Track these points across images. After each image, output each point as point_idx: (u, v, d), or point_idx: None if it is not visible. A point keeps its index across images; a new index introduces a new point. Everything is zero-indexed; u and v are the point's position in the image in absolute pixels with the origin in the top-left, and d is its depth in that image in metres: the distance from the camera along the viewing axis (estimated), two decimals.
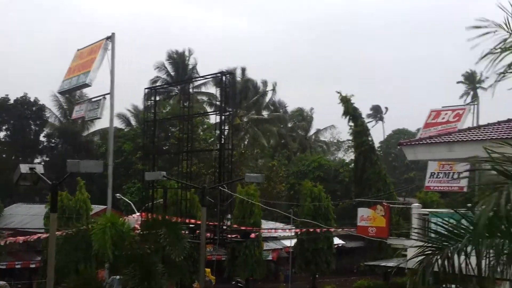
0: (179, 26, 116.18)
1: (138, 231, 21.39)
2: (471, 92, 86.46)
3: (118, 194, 40.49)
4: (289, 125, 68.55)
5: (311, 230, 35.18)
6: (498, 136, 16.37)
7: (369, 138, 43.49)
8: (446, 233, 9.33)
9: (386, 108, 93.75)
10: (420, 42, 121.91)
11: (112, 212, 24.22)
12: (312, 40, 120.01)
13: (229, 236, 27.83)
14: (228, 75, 27.66)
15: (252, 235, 32.80)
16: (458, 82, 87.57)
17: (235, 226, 31.94)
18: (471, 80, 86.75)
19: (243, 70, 61.93)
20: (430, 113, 34.41)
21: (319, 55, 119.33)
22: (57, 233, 19.80)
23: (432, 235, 9.94)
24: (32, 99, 55.89)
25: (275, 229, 40.70)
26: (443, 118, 32.75)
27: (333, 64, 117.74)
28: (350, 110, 42.57)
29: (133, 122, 57.52)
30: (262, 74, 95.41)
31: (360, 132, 42.80)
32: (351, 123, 43.08)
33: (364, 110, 45.91)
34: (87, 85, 25.25)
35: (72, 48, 28.28)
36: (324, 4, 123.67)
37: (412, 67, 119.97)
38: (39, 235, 31.89)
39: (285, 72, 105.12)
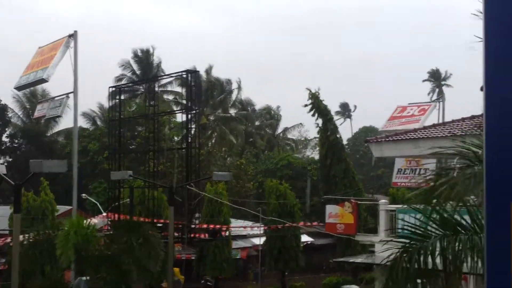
0: (143, 24, 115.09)
1: (106, 232, 21.18)
2: (437, 90, 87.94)
3: (84, 194, 39.92)
4: (257, 123, 68.54)
5: (279, 227, 35.21)
6: (462, 132, 16.58)
7: (338, 135, 43.67)
8: (415, 229, 9.39)
9: (355, 106, 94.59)
10: (386, 41, 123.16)
11: (78, 214, 23.88)
12: (277, 38, 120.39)
13: (198, 235, 27.67)
14: (193, 74, 27.44)
15: (222, 233, 32.72)
16: (424, 81, 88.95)
17: (204, 225, 31.78)
18: (437, 78, 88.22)
19: (209, 68, 61.69)
20: (396, 108, 34.82)
21: (285, 53, 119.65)
22: (22, 236, 19.45)
23: (399, 231, 10.04)
24: None
25: (243, 226, 40.63)
26: (408, 112, 33.17)
27: (299, 63, 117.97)
28: (320, 107, 42.62)
29: (99, 121, 56.80)
30: (228, 73, 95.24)
31: (328, 129, 42.92)
32: (320, 120, 43.17)
33: (332, 108, 46.01)
34: (44, 81, 24.86)
35: (33, 46, 27.73)
36: (290, 2, 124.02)
37: (380, 65, 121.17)
38: (3, 238, 31.22)
39: (251, 71, 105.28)
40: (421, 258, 8.87)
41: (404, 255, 9.10)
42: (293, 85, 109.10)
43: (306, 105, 42.47)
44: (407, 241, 9.30)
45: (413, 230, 9.43)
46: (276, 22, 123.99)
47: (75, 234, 18.55)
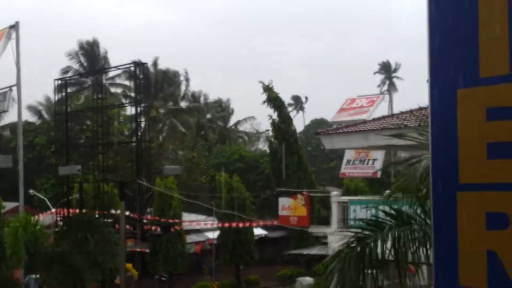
0: (90, 14, 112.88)
1: (55, 229, 20.71)
2: (387, 81, 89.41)
3: (31, 190, 38.90)
4: (208, 116, 68.15)
5: (233, 223, 35.19)
6: (411, 124, 16.84)
7: (292, 128, 43.86)
8: (366, 221, 9.49)
9: (306, 98, 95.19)
10: (338, 32, 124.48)
11: (25, 211, 23.25)
12: (227, 30, 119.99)
13: (152, 228, 27.37)
14: (141, 66, 27.07)
15: (173, 229, 32.42)
16: (375, 73, 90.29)
17: (157, 220, 31.47)
18: (387, 70, 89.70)
19: (156, 61, 60.92)
20: (346, 100, 35.25)
21: (235, 45, 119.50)
22: None
23: (352, 222, 10.13)
24: None
25: (196, 221, 40.41)
26: (357, 104, 33.63)
27: (248, 55, 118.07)
28: (273, 98, 42.74)
29: (46, 115, 55.39)
30: (176, 66, 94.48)
31: (282, 121, 43.06)
32: (274, 112, 43.25)
33: (284, 100, 46.04)
34: None
35: None
36: None
37: (331, 57, 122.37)
38: None
39: (200, 63, 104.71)
40: (372, 248, 8.96)
41: (355, 245, 9.17)
42: (244, 78, 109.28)
43: (264, 102, 42.66)
44: (359, 231, 9.38)
45: (365, 221, 9.52)
46: (225, 13, 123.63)
47: (24, 232, 18.07)
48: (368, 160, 31.48)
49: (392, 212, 9.23)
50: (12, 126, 52.13)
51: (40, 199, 39.96)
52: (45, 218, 31.15)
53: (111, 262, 21.31)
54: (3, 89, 25.31)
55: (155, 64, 60.23)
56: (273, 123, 43.37)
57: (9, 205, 33.76)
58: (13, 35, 23.71)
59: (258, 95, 43.33)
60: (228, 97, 71.33)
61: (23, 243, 17.54)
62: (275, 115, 43.22)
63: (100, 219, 22.84)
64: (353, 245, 9.11)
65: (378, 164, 30.30)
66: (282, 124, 43.01)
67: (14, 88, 24.29)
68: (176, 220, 34.35)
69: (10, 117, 51.03)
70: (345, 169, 32.94)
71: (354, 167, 32.30)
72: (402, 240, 8.76)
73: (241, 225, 35.74)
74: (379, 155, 30.74)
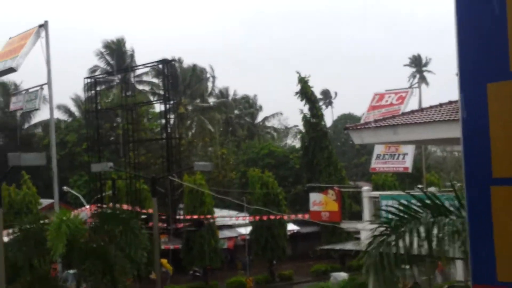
0: (113, 14, 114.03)
1: (90, 225, 21.00)
2: (418, 75, 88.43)
3: (65, 187, 39.57)
4: (236, 112, 68.28)
5: (265, 218, 35.26)
6: (440, 118, 16.66)
7: (322, 123, 43.64)
8: (399, 213, 9.36)
9: (336, 93, 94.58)
10: (367, 26, 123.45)
11: (63, 207, 23.65)
12: (250, 25, 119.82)
13: (183, 224, 27.57)
14: (169, 63, 27.23)
15: (206, 224, 32.65)
16: (405, 65, 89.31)
17: (189, 216, 31.70)
18: (417, 64, 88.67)
19: (182, 58, 61.26)
20: (374, 96, 34.87)
21: (262, 41, 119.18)
22: (10, 230, 19.25)
23: (384, 214, 10.02)
24: None
25: (229, 217, 40.56)
26: (387, 100, 33.25)
27: (278, 50, 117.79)
28: (308, 92, 42.45)
29: (77, 112, 56.20)
30: (203, 62, 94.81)
31: (314, 115, 42.83)
32: (306, 106, 42.96)
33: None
34: (13, 70, 24.35)
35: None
36: None
37: (360, 51, 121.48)
38: None
39: (227, 60, 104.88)
40: (407, 241, 8.83)
41: (388, 237, 9.05)
42: (271, 74, 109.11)
43: (297, 93, 42.42)
44: (392, 224, 9.23)
45: (397, 213, 9.36)
46: (250, 10, 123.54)
47: (67, 226, 18.35)
48: (398, 154, 31.16)
49: (428, 201, 9.04)
50: (44, 124, 53.06)
51: (74, 196, 40.59)
52: (80, 214, 31.65)
53: (145, 257, 21.57)
54: (34, 87, 25.74)
55: (180, 61, 60.61)
56: (305, 118, 43.09)
57: (44, 202, 34.48)
58: (42, 33, 24.03)
59: (285, 90, 43.31)
60: (255, 93, 71.46)
61: (65, 237, 17.81)
62: (305, 109, 42.92)
63: (131, 215, 23.08)
64: (384, 237, 9.01)
65: (409, 159, 29.99)
66: (313, 119, 42.76)
67: (45, 87, 24.68)
68: (209, 216, 34.55)
69: (40, 115, 52.10)
70: (375, 164, 32.67)
71: (384, 161, 32.02)
72: (437, 231, 8.57)
73: (274, 220, 35.76)
74: (410, 150, 30.42)
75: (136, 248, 19.02)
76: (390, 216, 9.52)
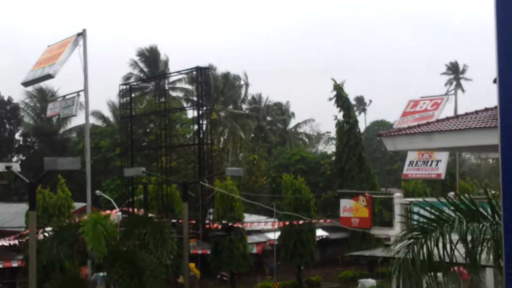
0: (147, 22, 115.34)
1: (121, 228, 21.22)
2: (454, 82, 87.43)
3: (98, 191, 40.11)
4: (268, 118, 68.45)
5: (294, 223, 35.21)
6: (476, 125, 16.44)
7: (357, 129, 43.44)
8: (431, 216, 9.21)
9: (370, 101, 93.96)
10: (402, 32, 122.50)
11: (95, 210, 23.95)
12: (281, 33, 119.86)
13: (213, 227, 27.69)
14: (203, 70, 27.40)
15: (236, 228, 32.71)
16: (442, 74, 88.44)
17: (218, 220, 31.83)
18: (455, 70, 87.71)
19: (215, 65, 61.70)
20: (408, 103, 34.54)
21: (292, 48, 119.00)
22: (43, 229, 19.57)
23: (415, 218, 9.87)
24: (5, 98, 55.03)
25: (259, 222, 40.61)
26: (421, 107, 32.90)
27: (306, 57, 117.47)
28: (343, 99, 42.33)
29: (111, 118, 57.06)
30: (236, 69, 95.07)
31: (348, 122, 42.66)
32: (341, 113, 42.81)
33: None
34: (50, 76, 24.74)
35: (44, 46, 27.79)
36: None
37: (394, 57, 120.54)
38: (18, 230, 31.54)
39: (258, 67, 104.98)
40: (438, 246, 8.67)
41: (421, 241, 8.92)
42: (304, 81, 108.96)
43: (331, 99, 42.36)
44: (423, 228, 9.07)
45: (429, 218, 9.20)
46: (281, 18, 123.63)
47: (103, 227, 18.54)
48: (432, 161, 30.82)
49: (462, 206, 8.87)
50: (79, 129, 53.99)
51: (106, 200, 41.13)
52: (113, 217, 32.03)
53: (171, 260, 21.71)
54: (70, 94, 26.20)
55: (214, 68, 61.07)
56: (338, 124, 42.96)
57: (77, 206, 35.00)
58: (80, 42, 24.46)
59: (318, 97, 43.25)
60: (287, 100, 71.48)
61: (103, 238, 17.94)
62: (339, 116, 42.75)
63: (164, 224, 23.30)
64: (414, 241, 8.88)
65: (442, 166, 29.63)
66: (347, 125, 42.61)
67: (81, 93, 25.11)
68: (239, 221, 34.65)
69: (76, 121, 53.03)
70: (408, 171, 32.36)
71: (417, 168, 31.70)
72: (471, 237, 8.39)
73: (303, 225, 35.68)
74: (443, 157, 30.07)
75: (164, 251, 19.15)
76: (421, 219, 9.38)
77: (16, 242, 31.61)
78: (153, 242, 18.97)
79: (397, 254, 9.42)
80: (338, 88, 42.39)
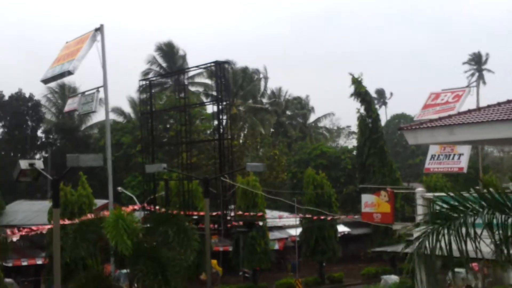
0: (163, 18, 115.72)
1: (144, 225, 21.28)
2: (477, 74, 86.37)
3: (119, 188, 40.34)
4: (288, 113, 68.28)
5: (315, 218, 35.08)
6: (499, 117, 16.17)
7: (378, 123, 43.05)
8: (454, 204, 8.97)
9: (391, 93, 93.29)
10: (422, 26, 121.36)
11: (118, 206, 24.06)
12: (301, 27, 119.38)
13: (235, 223, 27.66)
14: (222, 65, 27.32)
15: (259, 225, 32.67)
16: (464, 63, 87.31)
17: (240, 216, 31.81)
18: (477, 61, 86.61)
19: (235, 60, 61.65)
20: (429, 95, 34.17)
21: (311, 42, 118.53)
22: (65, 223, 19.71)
23: (437, 208, 9.63)
24: (27, 95, 55.59)
25: (279, 218, 40.51)
26: (442, 99, 32.52)
27: (327, 52, 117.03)
28: (362, 92, 41.97)
29: (132, 114, 57.36)
30: (254, 63, 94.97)
31: (369, 116, 42.33)
32: (361, 106, 42.47)
33: None
34: (69, 73, 24.80)
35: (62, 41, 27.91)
36: None
37: (417, 53, 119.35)
38: (39, 227, 31.87)
39: (276, 61, 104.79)
40: (460, 235, 8.45)
41: (443, 231, 8.69)
42: (322, 74, 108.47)
43: (352, 95, 42.05)
44: (446, 215, 8.83)
45: (452, 205, 8.93)
46: (299, 11, 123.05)
47: (124, 223, 18.59)
48: (454, 155, 30.46)
49: (488, 196, 8.63)
50: (100, 126, 54.35)
51: (128, 196, 41.35)
52: (135, 214, 32.19)
53: (196, 258, 21.71)
54: (90, 90, 26.31)
55: (233, 62, 61.04)
56: (360, 117, 42.61)
57: (99, 202, 35.20)
58: (98, 37, 24.51)
59: (338, 91, 42.96)
60: (307, 94, 71.24)
61: (125, 233, 17.97)
62: (362, 109, 42.37)
63: (182, 215, 23.31)
64: (435, 231, 8.66)
65: (465, 159, 29.25)
66: (369, 119, 42.26)
67: (100, 89, 25.19)
68: (261, 217, 34.58)
69: (97, 117, 53.41)
70: (429, 165, 32.02)
71: (439, 162, 31.34)
72: (496, 228, 8.16)
73: (325, 221, 35.52)
74: (465, 150, 29.68)
75: (187, 249, 19.17)
76: (444, 206, 9.08)
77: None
78: (177, 240, 19.00)
79: (416, 241, 9.20)
80: (357, 82, 42.05)
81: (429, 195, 22.50)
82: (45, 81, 27.74)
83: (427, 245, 8.81)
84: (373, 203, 25.20)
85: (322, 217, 34.92)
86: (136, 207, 33.12)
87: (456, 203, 8.91)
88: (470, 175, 35.31)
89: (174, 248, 19.25)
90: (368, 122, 42.10)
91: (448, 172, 32.87)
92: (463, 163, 29.40)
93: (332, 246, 36.61)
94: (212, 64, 28.40)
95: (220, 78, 27.51)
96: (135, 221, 19.16)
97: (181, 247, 19.22)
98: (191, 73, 53.67)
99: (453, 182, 38.99)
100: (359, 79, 42.06)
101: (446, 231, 8.70)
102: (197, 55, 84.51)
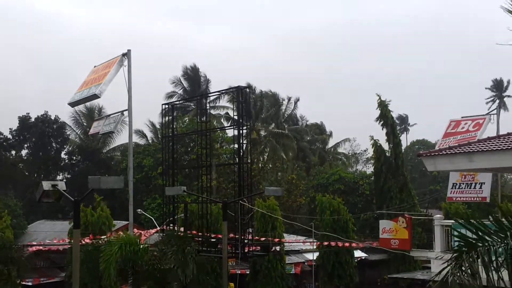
0: (185, 42, 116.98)
1: (159, 247, 21.55)
2: (497, 100, 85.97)
3: (139, 210, 40.70)
4: (308, 138, 68.50)
5: (333, 243, 35.01)
6: None
7: (399, 149, 43.00)
8: (473, 235, 9.05)
9: (415, 123, 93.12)
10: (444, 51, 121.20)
11: (134, 228, 24.40)
12: (314, 52, 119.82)
13: (252, 248, 27.76)
14: (243, 90, 27.67)
15: (276, 249, 32.69)
16: (486, 88, 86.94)
17: (258, 240, 31.90)
18: (499, 88, 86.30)
19: (255, 85, 62.29)
20: (449, 123, 34.14)
21: (325, 68, 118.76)
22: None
23: (456, 244, 9.75)
24: (52, 117, 56.59)
25: (298, 242, 40.45)
26: (463, 127, 32.47)
27: (339, 77, 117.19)
28: (388, 116, 41.99)
29: (153, 137, 58.03)
30: (275, 88, 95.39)
31: (390, 141, 42.30)
32: (382, 129, 42.45)
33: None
34: (96, 96, 25.35)
35: (89, 64, 28.64)
36: (323, 16, 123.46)
37: (438, 78, 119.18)
38: (58, 246, 32.28)
39: (293, 86, 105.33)
40: (484, 258, 8.50)
41: (463, 260, 8.77)
42: (343, 102, 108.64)
43: (377, 118, 42.05)
44: (466, 246, 8.91)
45: (471, 236, 9.03)
46: (310, 36, 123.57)
47: (120, 250, 19.03)
48: (475, 184, 30.33)
49: (508, 225, 8.70)
50: (122, 148, 55.04)
51: (147, 218, 41.66)
52: (152, 236, 32.51)
53: (211, 281, 21.89)
54: (115, 113, 26.84)
55: (253, 88, 61.64)
56: (375, 144, 42.64)
57: (119, 224, 35.60)
58: (125, 62, 25.08)
59: (357, 117, 43.10)
60: (325, 120, 71.64)
61: (115, 260, 18.44)
62: (381, 134, 42.36)
63: (188, 237, 23.55)
64: (456, 263, 8.77)
65: (487, 188, 29.12)
66: (390, 144, 42.23)
67: (125, 113, 25.70)
68: (277, 240, 34.63)
69: (120, 139, 54.12)
70: (452, 193, 31.86)
71: (461, 191, 31.20)
72: None
73: (342, 247, 35.44)
74: (487, 179, 29.57)
75: (201, 272, 19.42)
76: (467, 235, 9.19)
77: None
78: (176, 261, 19.33)
79: (437, 277, 9.31)
80: (383, 106, 41.97)
81: (448, 222, 22.47)
82: (72, 104, 28.34)
83: (453, 272, 8.87)
84: (391, 229, 25.15)
85: (340, 245, 34.80)
86: (154, 230, 33.43)
87: (479, 232, 8.99)
88: (489, 203, 35.07)
89: (183, 270, 19.56)
90: (385, 150, 42.09)
91: (471, 202, 32.72)
92: (485, 192, 29.29)
93: (349, 271, 36.46)
94: (234, 89, 28.79)
95: (241, 103, 27.82)
96: (137, 245, 19.56)
97: (180, 267, 19.48)
98: (213, 97, 54.38)
99: (473, 209, 38.72)
100: (386, 103, 42.02)
101: (471, 259, 8.78)
102: (221, 80, 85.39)
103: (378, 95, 42.24)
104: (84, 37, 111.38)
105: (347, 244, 35.07)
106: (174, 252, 19.88)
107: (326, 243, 35.54)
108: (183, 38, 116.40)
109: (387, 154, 42.37)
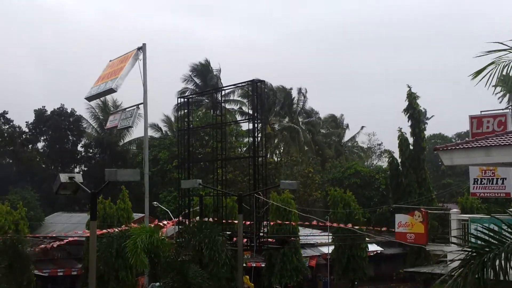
0: (195, 37, 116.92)
1: (176, 239, 21.67)
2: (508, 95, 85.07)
3: (155, 202, 40.92)
4: (323, 131, 68.31)
5: (347, 239, 35.02)
6: None
7: (423, 143, 42.80)
8: (487, 238, 9.08)
9: (433, 116, 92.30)
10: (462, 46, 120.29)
11: (151, 220, 24.52)
12: (327, 46, 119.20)
13: (268, 240, 27.84)
14: (258, 84, 27.62)
15: (291, 242, 32.74)
16: (493, 86, 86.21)
17: (272, 233, 31.95)
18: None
19: (270, 79, 62.24)
20: (471, 120, 33.52)
21: (341, 62, 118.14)
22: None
23: (473, 240, 9.68)
24: (69, 110, 56.98)
25: (312, 235, 40.49)
26: (487, 126, 31.95)
27: (360, 68, 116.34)
28: (415, 108, 41.79)
29: (168, 131, 58.24)
30: (289, 82, 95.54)
31: (413, 135, 42.12)
32: (408, 122, 42.23)
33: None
34: (113, 91, 25.54)
35: (104, 59, 28.82)
36: (337, 11, 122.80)
37: (454, 72, 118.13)
38: (74, 238, 32.58)
39: (314, 80, 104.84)
40: (496, 265, 8.51)
41: (478, 261, 8.76)
42: (360, 94, 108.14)
43: (404, 110, 41.85)
44: (480, 248, 8.94)
45: (488, 235, 9.04)
46: (326, 31, 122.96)
47: (148, 238, 19.08)
48: (497, 179, 30.00)
49: None
50: (138, 141, 55.35)
51: (163, 211, 41.88)
52: (168, 228, 32.66)
53: (226, 273, 21.95)
54: (130, 107, 26.99)
55: (267, 82, 61.54)
56: (401, 137, 42.44)
57: (135, 216, 35.80)
58: (140, 56, 25.21)
59: (375, 110, 42.83)
60: (342, 113, 71.17)
61: (142, 250, 18.49)
62: (405, 127, 42.14)
63: (215, 226, 23.60)
64: (472, 261, 8.76)
65: (509, 183, 28.82)
66: (414, 137, 42.05)
67: (140, 106, 25.86)
68: (293, 234, 34.66)
69: (136, 133, 54.37)
70: (474, 189, 31.57)
71: (483, 186, 30.85)
72: None
73: (355, 240, 35.42)
74: (508, 174, 29.25)
75: (218, 263, 19.45)
76: (479, 242, 9.21)
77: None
78: (208, 256, 19.32)
79: (453, 273, 9.23)
80: (412, 97, 41.77)
81: (464, 216, 22.36)
82: (89, 98, 28.56)
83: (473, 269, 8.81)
84: (407, 223, 25.07)
85: (352, 234, 34.80)
86: (171, 222, 33.57)
87: (496, 228, 8.93)
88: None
89: (206, 263, 19.56)
90: (409, 143, 41.90)
91: (495, 197, 32.40)
92: (508, 188, 28.98)
93: (363, 265, 36.43)
94: (248, 82, 28.76)
95: (256, 97, 27.79)
96: (159, 237, 19.62)
97: (211, 261, 19.52)
98: (227, 90, 54.40)
99: (487, 205, 38.48)
100: (415, 96, 41.81)
101: (483, 262, 8.72)
102: (236, 74, 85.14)
103: (409, 86, 42.03)
104: (89, 34, 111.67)
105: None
106: (201, 239, 19.86)
107: (340, 238, 35.52)
108: (191, 33, 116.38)
109: (410, 147, 42.23)
